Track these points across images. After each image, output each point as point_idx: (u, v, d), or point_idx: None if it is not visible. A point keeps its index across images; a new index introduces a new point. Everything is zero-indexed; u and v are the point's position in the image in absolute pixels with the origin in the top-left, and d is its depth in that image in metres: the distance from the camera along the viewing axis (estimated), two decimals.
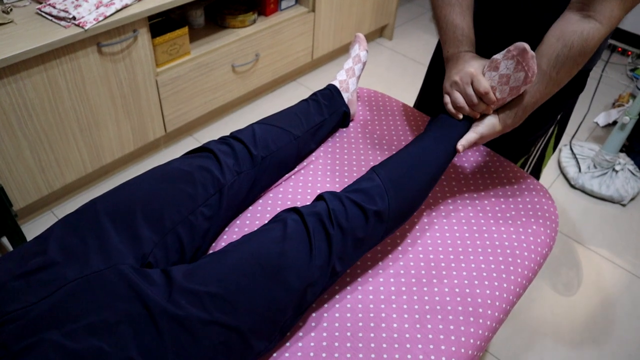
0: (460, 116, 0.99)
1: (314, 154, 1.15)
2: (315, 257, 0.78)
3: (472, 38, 1.02)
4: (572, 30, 0.90)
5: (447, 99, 1.00)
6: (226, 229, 0.98)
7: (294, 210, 0.84)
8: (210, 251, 0.92)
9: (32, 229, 1.67)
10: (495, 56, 0.95)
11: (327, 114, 1.14)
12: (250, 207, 1.02)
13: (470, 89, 0.95)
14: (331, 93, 1.17)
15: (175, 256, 0.82)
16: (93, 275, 0.68)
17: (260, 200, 1.03)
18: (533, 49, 1.02)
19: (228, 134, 1.01)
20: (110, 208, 0.78)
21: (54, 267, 0.68)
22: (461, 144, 0.97)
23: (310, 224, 0.81)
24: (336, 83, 1.20)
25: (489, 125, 0.98)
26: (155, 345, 0.63)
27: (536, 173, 1.40)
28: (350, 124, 1.26)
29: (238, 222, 0.99)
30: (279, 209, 1.01)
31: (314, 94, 1.17)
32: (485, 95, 0.94)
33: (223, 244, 0.94)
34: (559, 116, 1.24)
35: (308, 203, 0.99)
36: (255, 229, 0.91)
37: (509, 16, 1.10)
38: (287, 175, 1.08)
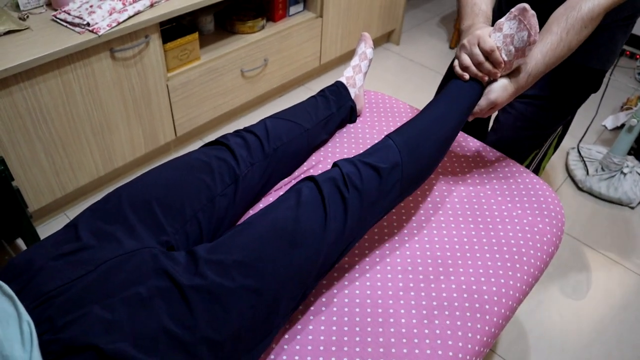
0: (467, 76, 1.00)
1: (322, 152, 1.17)
2: (330, 220, 0.81)
3: (488, 15, 1.05)
4: None
5: (455, 62, 1.02)
6: (240, 219, 1.01)
7: (309, 178, 0.87)
8: None
9: (46, 231, 1.70)
10: (499, 20, 0.98)
11: (334, 108, 1.18)
12: (260, 204, 1.04)
13: (477, 49, 0.97)
14: (338, 89, 1.21)
15: (195, 239, 0.85)
16: (126, 256, 0.72)
17: (271, 198, 1.05)
18: None
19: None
20: (133, 197, 0.81)
21: (90, 249, 0.72)
22: (473, 111, 0.99)
23: (325, 189, 0.83)
24: (343, 79, 1.23)
25: (500, 87, 0.99)
26: (187, 316, 0.67)
27: (536, 170, 1.42)
28: (359, 125, 1.28)
29: (251, 212, 1.01)
30: None
31: (322, 90, 1.21)
32: (491, 54, 0.95)
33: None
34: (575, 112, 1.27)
35: None
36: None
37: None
38: (296, 173, 1.11)
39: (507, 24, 0.96)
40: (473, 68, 0.99)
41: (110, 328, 0.63)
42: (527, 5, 0.93)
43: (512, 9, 0.96)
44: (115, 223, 0.77)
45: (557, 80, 1.16)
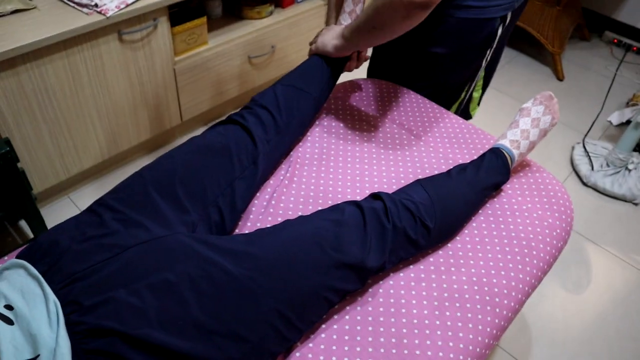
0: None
1: (316, 132, 1.18)
2: (370, 249, 0.82)
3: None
4: None
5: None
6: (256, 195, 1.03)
7: (353, 202, 0.88)
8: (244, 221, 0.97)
9: (49, 214, 1.69)
10: (524, 105, 1.12)
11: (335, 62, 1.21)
12: (268, 187, 1.04)
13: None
14: None
15: (216, 225, 0.85)
16: (154, 241, 0.71)
17: (281, 180, 1.05)
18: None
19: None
20: (157, 182, 0.81)
21: (116, 234, 0.71)
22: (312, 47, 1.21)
23: (367, 216, 0.85)
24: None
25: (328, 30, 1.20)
26: (215, 306, 0.66)
27: (465, 114, 1.51)
28: (363, 113, 1.27)
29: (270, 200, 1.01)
30: (294, 186, 1.03)
31: None
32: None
33: (254, 210, 0.98)
34: (483, 63, 1.32)
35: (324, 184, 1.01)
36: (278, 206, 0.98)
37: None
38: (304, 158, 1.12)
39: (534, 108, 1.10)
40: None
41: (137, 314, 0.63)
42: (552, 94, 1.10)
43: (538, 96, 1.11)
44: (141, 209, 0.76)
45: (457, 38, 1.20)
